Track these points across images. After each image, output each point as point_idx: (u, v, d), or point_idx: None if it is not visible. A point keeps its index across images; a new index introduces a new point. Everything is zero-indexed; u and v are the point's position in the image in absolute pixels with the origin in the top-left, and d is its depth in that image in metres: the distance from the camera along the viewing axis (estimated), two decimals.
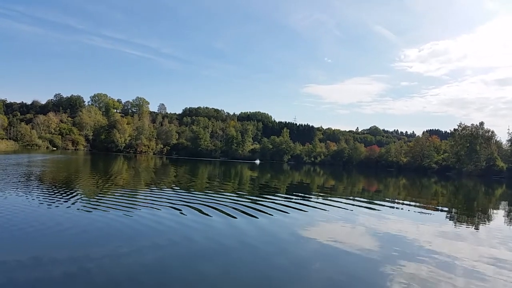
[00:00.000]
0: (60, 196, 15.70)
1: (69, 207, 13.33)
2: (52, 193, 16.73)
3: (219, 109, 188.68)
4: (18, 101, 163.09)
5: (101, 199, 15.79)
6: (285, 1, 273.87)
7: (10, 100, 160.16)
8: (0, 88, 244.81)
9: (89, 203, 14.46)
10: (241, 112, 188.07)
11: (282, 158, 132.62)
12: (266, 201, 18.25)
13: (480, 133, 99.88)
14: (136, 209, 13.86)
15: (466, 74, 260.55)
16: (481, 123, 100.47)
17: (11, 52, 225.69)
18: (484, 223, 16.88)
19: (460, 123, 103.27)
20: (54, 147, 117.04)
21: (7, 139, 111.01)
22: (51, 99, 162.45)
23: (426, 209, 20.32)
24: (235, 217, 13.21)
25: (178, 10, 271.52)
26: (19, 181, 20.41)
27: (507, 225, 16.85)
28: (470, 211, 21.30)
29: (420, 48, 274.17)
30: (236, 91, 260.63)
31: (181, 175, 36.93)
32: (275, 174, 53.14)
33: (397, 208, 19.73)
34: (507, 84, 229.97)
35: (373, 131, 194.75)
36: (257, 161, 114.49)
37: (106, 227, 10.62)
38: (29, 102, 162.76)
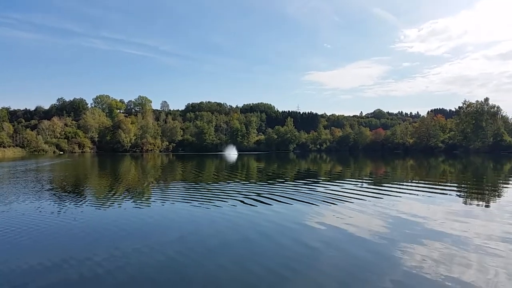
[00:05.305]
0: (72, 198, 15.87)
1: (82, 209, 13.50)
2: (62, 196, 16.91)
3: (222, 102, 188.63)
4: (22, 108, 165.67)
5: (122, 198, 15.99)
6: None
7: (13, 107, 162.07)
8: (3, 96, 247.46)
9: (124, 203, 14.63)
10: (244, 104, 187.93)
11: (287, 147, 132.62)
12: (274, 190, 18.24)
13: (485, 109, 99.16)
14: (146, 204, 14.01)
15: (468, 51, 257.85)
16: (486, 99, 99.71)
17: (11, 60, 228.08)
18: (495, 200, 16.75)
19: (465, 101, 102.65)
20: (61, 151, 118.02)
21: (14, 146, 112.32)
22: (54, 104, 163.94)
23: (435, 189, 20.23)
24: (245, 207, 13.26)
25: (174, 7, 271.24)
26: (48, 189, 20.62)
27: None
28: (479, 188, 21.18)
29: (420, 27, 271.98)
30: (237, 84, 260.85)
31: (188, 171, 37.04)
32: (281, 163, 53.16)
33: (405, 189, 19.61)
34: (510, 58, 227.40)
35: (377, 114, 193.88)
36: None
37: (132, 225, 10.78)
38: (32, 108, 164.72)
